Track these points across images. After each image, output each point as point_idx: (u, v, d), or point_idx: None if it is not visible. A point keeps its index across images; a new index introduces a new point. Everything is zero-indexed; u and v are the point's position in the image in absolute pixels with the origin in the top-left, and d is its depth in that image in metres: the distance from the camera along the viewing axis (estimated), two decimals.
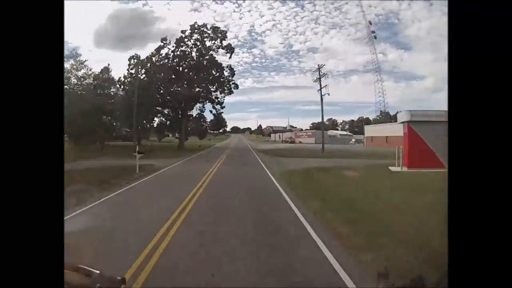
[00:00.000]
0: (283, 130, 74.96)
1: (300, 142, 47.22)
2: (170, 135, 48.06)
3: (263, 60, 75.82)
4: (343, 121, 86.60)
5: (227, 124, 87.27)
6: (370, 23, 56.13)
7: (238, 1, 66.53)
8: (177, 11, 72.58)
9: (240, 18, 70.83)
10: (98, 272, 0.95)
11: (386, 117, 53.82)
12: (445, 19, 1.01)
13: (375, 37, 56.31)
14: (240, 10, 78.32)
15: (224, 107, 35.33)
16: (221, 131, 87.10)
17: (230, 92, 34.43)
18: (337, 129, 73.36)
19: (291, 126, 79.09)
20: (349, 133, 62.89)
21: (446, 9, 1.02)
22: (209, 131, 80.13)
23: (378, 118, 58.41)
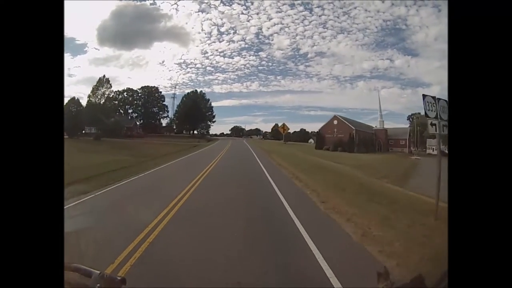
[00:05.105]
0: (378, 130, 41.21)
1: None
2: None
3: (270, 64, 73.71)
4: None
5: (214, 117, 53.70)
6: None
7: (247, 3, 65.46)
8: (185, 12, 71.86)
9: (248, 21, 69.05)
10: (98, 272, 0.95)
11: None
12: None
13: None
14: (248, 12, 76.27)
15: None
16: (195, 131, 49.95)
17: None
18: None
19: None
20: None
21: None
22: (175, 131, 46.46)
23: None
